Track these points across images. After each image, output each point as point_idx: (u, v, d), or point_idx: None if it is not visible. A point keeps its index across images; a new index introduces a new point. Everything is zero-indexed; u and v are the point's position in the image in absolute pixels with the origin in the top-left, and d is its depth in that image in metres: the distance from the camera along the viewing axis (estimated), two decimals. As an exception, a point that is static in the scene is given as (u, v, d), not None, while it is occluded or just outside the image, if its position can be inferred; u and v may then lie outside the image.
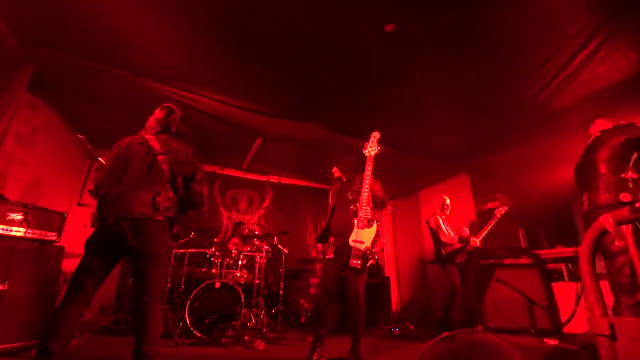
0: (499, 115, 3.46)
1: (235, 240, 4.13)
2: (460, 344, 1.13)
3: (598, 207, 1.94)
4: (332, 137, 3.94)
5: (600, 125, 2.31)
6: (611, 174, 1.94)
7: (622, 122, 2.14)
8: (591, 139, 2.24)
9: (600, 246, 1.88)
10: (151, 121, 2.01)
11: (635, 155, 1.89)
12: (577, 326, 3.27)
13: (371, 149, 2.54)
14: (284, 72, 2.93)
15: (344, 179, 2.79)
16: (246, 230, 4.44)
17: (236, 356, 2.58)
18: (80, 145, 1.98)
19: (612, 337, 0.87)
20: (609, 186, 1.92)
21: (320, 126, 3.72)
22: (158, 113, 2.03)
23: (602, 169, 2.00)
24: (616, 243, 1.79)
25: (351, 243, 2.29)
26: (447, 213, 4.00)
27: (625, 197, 1.82)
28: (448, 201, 4.03)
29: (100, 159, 2.00)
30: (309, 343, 3.10)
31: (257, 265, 3.71)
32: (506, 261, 3.86)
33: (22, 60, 2.82)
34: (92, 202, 1.77)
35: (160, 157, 1.80)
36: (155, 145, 1.84)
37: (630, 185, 1.84)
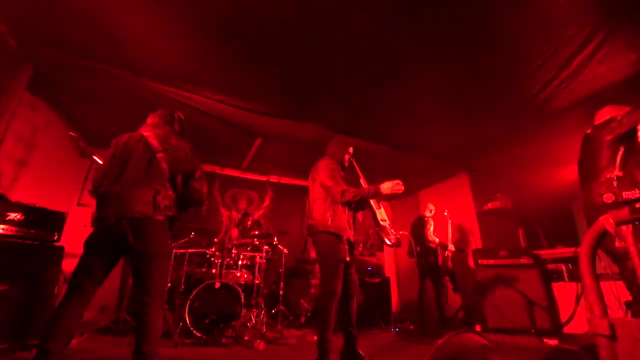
0: (499, 115, 3.46)
1: (236, 232, 4.24)
2: (454, 346, 1.14)
3: (593, 209, 1.92)
4: (332, 137, 3.94)
5: (603, 115, 2.18)
6: (600, 174, 1.90)
7: (606, 118, 2.05)
8: (585, 134, 2.16)
9: (611, 250, 1.86)
10: (154, 116, 2.01)
11: (621, 151, 1.83)
12: (577, 326, 3.27)
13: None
14: (285, 72, 2.93)
15: (342, 173, 2.47)
16: (250, 222, 4.47)
17: (236, 356, 2.58)
18: (74, 143, 1.96)
19: (612, 337, 0.87)
20: (598, 187, 1.89)
21: (321, 126, 3.72)
22: (161, 111, 2.05)
23: (594, 168, 1.95)
24: (616, 244, 1.78)
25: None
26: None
27: (608, 197, 1.78)
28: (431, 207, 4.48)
29: (95, 157, 1.98)
30: (309, 343, 3.11)
31: (257, 265, 3.71)
32: (506, 261, 3.86)
33: (22, 60, 2.81)
34: (92, 202, 1.75)
35: (159, 155, 1.80)
36: (154, 142, 1.84)
37: (615, 184, 1.79)
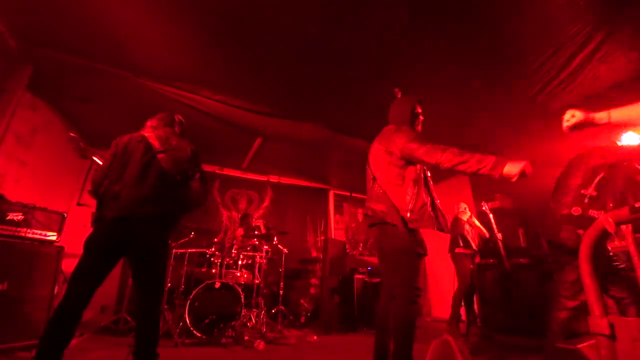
0: (499, 115, 3.46)
1: (241, 231, 4.21)
2: None
3: (554, 218, 2.07)
4: (332, 137, 3.94)
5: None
6: (574, 189, 2.06)
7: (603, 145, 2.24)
8: (577, 154, 2.36)
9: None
10: (153, 120, 2.01)
11: (600, 176, 2.02)
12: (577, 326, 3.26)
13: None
14: (285, 73, 2.93)
15: None
16: (253, 222, 4.48)
17: (236, 356, 2.58)
18: (74, 143, 1.96)
19: (612, 337, 0.87)
20: (567, 199, 2.05)
21: (320, 126, 3.72)
22: (160, 114, 2.05)
23: (571, 182, 2.13)
24: (616, 243, 1.82)
25: None
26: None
27: (576, 210, 1.94)
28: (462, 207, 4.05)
29: (95, 157, 1.97)
30: (309, 343, 3.11)
31: (257, 265, 3.71)
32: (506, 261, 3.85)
33: (21, 60, 2.81)
34: (92, 202, 1.75)
35: (160, 156, 1.80)
36: (155, 143, 1.84)
37: (586, 200, 1.95)
